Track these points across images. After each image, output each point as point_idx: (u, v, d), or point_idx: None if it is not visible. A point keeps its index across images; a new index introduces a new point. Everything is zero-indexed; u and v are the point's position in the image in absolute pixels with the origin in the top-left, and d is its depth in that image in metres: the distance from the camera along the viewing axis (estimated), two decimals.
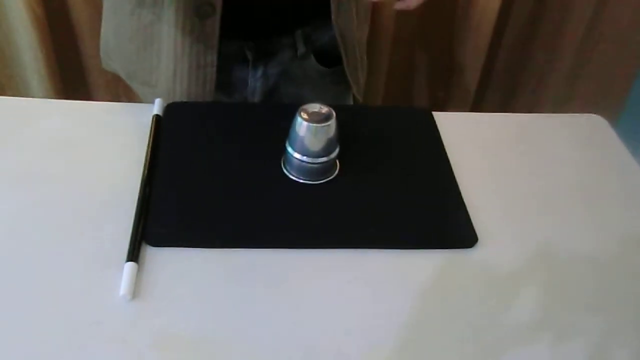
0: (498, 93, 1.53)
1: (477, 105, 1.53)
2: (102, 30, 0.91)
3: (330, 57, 0.89)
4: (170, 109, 0.79)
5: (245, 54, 0.86)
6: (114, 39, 0.88)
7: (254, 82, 0.89)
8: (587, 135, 0.85)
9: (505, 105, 1.55)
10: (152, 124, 0.75)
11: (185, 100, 0.83)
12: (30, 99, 0.83)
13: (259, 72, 0.89)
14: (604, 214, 0.71)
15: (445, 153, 0.76)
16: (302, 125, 0.66)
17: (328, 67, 0.90)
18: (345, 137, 0.70)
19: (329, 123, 0.66)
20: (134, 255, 0.58)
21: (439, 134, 0.79)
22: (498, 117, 0.87)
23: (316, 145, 0.67)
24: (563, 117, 0.88)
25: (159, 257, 0.60)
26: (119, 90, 1.37)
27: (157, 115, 0.77)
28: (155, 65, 0.83)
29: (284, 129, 0.68)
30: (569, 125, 0.86)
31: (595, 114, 0.88)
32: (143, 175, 0.68)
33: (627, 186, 0.76)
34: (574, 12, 1.39)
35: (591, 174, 0.78)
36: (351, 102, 0.99)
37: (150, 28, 0.81)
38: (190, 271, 0.59)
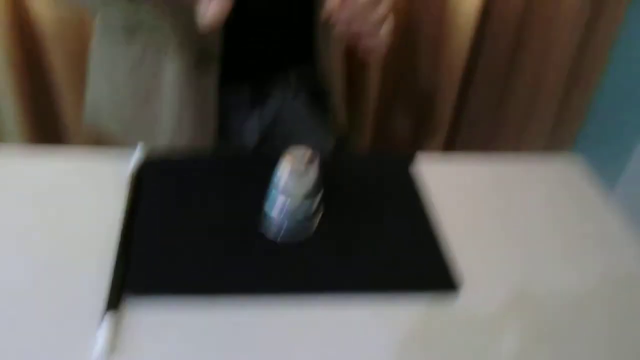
0: (473, 127, 1.57)
1: (452, 138, 1.56)
2: (92, 92, 0.91)
3: (318, 98, 0.93)
4: (151, 161, 0.78)
5: (242, 99, 0.89)
6: (109, 99, 0.88)
7: (251, 125, 0.91)
8: (564, 175, 0.86)
9: (481, 138, 1.58)
10: (132, 172, 0.74)
11: (188, 147, 0.84)
12: (7, 145, 0.82)
13: (256, 115, 0.91)
14: (583, 255, 0.72)
15: (426, 198, 0.76)
16: (286, 169, 0.66)
17: (317, 105, 0.94)
18: (328, 184, 0.70)
19: (312, 167, 0.65)
20: (112, 305, 0.57)
21: (419, 179, 0.80)
22: (477, 159, 0.88)
23: (300, 188, 0.67)
24: (540, 158, 0.90)
25: (137, 307, 0.58)
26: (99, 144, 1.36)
27: (136, 167, 0.76)
28: (157, 119, 0.84)
29: (264, 180, 0.68)
30: (546, 165, 0.88)
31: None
32: (122, 226, 0.66)
33: (603, 227, 0.77)
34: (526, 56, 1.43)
35: (569, 214, 0.79)
36: (333, 141, 1.01)
37: (150, 84, 0.82)
38: (169, 324, 0.57)
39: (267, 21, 0.82)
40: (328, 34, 0.87)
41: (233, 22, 0.75)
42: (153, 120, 0.85)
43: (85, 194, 0.72)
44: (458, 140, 1.58)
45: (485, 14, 1.36)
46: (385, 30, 0.71)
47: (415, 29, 1.38)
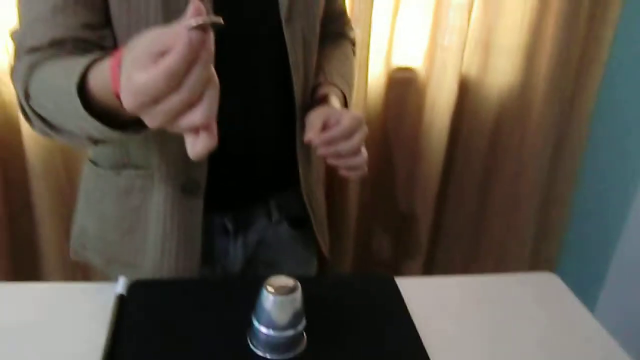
0: (452, 246, 1.60)
1: (431, 258, 1.58)
2: (78, 222, 0.93)
3: (299, 222, 0.95)
4: (135, 287, 0.78)
5: (226, 226, 0.90)
6: (95, 227, 0.89)
7: (235, 251, 0.92)
8: (544, 293, 0.87)
9: (460, 257, 1.61)
10: (115, 304, 0.74)
11: (172, 275, 0.83)
12: None
13: (239, 242, 0.92)
14: None
15: (410, 318, 0.76)
16: (268, 299, 0.66)
17: (299, 230, 0.96)
18: (312, 309, 0.70)
19: (294, 295, 0.66)
20: None
21: (402, 299, 0.80)
22: (459, 280, 0.89)
23: (283, 317, 0.66)
24: (520, 276, 0.92)
25: None
26: (77, 275, 1.35)
27: (120, 295, 0.76)
28: (141, 246, 0.85)
29: (250, 304, 0.68)
30: (526, 284, 0.89)
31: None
32: (104, 356, 0.65)
33: (585, 339, 0.78)
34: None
35: (552, 330, 0.79)
36: (316, 263, 1.02)
37: (136, 211, 0.84)
38: None
39: (249, 149, 0.85)
40: (308, 162, 0.91)
41: (218, 154, 0.79)
42: (137, 247, 0.85)
43: (69, 328, 0.71)
44: (438, 259, 1.60)
45: (454, 144, 1.45)
46: (365, 151, 0.77)
47: (390, 156, 1.46)
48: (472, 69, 1.39)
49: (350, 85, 0.94)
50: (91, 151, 0.88)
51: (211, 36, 0.44)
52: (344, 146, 0.75)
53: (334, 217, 1.44)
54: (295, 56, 0.80)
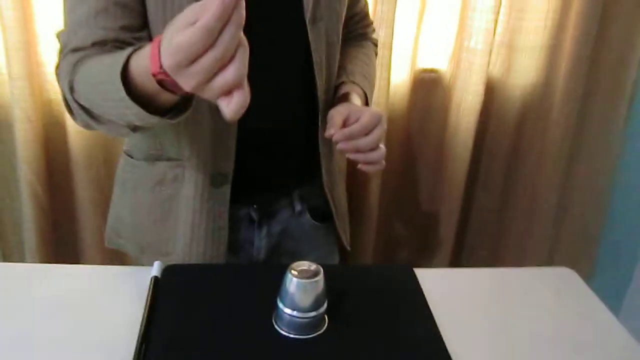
0: (476, 247, 1.61)
1: (455, 257, 1.60)
2: (113, 211, 0.98)
3: (321, 214, 0.99)
4: (168, 271, 0.83)
5: (251, 216, 0.94)
6: (130, 216, 0.94)
7: (259, 241, 0.96)
8: (560, 287, 0.89)
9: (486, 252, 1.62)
10: (150, 285, 0.79)
11: (200, 262, 0.88)
12: (35, 264, 0.87)
13: (264, 232, 0.96)
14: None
15: (428, 307, 0.79)
16: (292, 282, 0.70)
17: (321, 222, 1.00)
18: (333, 294, 0.73)
19: (317, 279, 0.70)
20: None
21: (420, 288, 0.82)
22: (477, 272, 0.91)
23: (305, 300, 0.70)
24: (537, 271, 0.94)
25: None
26: (114, 262, 1.42)
27: (155, 277, 0.81)
28: (172, 234, 0.90)
29: (275, 288, 0.72)
30: (543, 278, 0.91)
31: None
32: (139, 334, 0.70)
33: (601, 332, 0.79)
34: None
35: (567, 322, 0.80)
36: (338, 255, 1.06)
37: (168, 202, 0.89)
38: None
39: (274, 143, 0.90)
40: (331, 157, 0.95)
41: (244, 147, 0.84)
42: (168, 235, 0.90)
43: (108, 307, 0.77)
44: (463, 258, 1.62)
45: (480, 144, 1.47)
46: (383, 146, 0.80)
47: (415, 156, 1.49)
48: (496, 70, 1.40)
49: (371, 84, 0.98)
50: (127, 144, 0.94)
51: (242, 1, 0.48)
52: (363, 141, 0.79)
53: (357, 214, 1.47)
54: (318, 56, 0.84)
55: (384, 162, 0.81)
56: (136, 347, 0.67)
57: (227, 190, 0.87)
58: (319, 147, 0.92)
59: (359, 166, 0.82)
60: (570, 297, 0.87)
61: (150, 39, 0.77)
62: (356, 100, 0.87)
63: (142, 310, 0.74)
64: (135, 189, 0.92)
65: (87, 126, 0.76)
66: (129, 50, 0.62)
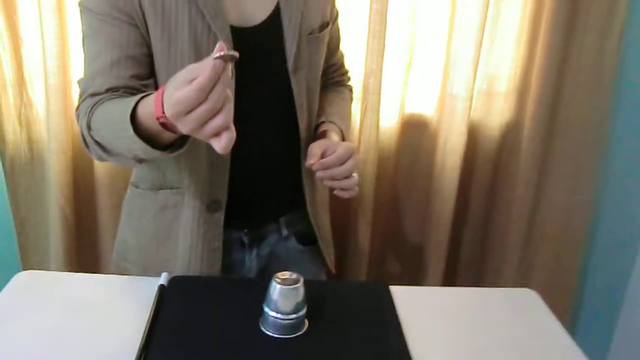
0: (463, 275, 1.69)
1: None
2: (119, 237, 1.08)
3: (306, 239, 1.09)
4: (174, 281, 0.94)
5: (242, 240, 1.05)
6: (135, 240, 1.04)
7: (250, 262, 1.06)
8: (521, 306, 0.97)
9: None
10: (157, 292, 0.90)
11: None
12: (61, 273, 0.99)
13: (254, 254, 1.06)
14: None
15: (398, 318, 0.88)
16: (275, 288, 0.80)
17: (305, 246, 1.10)
18: (314, 303, 0.84)
19: (297, 286, 0.80)
20: None
21: (392, 302, 0.92)
22: (446, 290, 1.00)
23: (287, 304, 0.81)
24: (501, 291, 1.02)
25: None
26: None
27: (162, 285, 0.92)
28: (172, 255, 1.00)
29: (262, 299, 0.82)
30: (506, 297, 0.99)
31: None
32: (144, 332, 0.80)
33: (553, 347, 0.87)
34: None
35: (524, 338, 0.88)
36: (326, 278, 1.14)
37: (170, 225, 1.00)
38: None
39: (262, 176, 1.01)
40: (313, 187, 1.06)
41: (236, 178, 0.96)
42: (168, 257, 1.00)
43: (121, 309, 0.88)
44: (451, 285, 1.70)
45: (465, 181, 1.58)
46: (356, 175, 0.91)
47: (405, 191, 1.60)
48: (476, 113, 1.53)
49: (347, 124, 1.10)
50: (134, 176, 1.05)
51: (229, 66, 0.62)
52: (338, 170, 0.90)
53: (350, 247, 1.57)
54: (300, 100, 0.97)
55: (357, 189, 0.92)
56: (141, 342, 0.77)
57: (221, 215, 0.98)
58: (303, 179, 1.03)
59: (335, 192, 0.93)
60: (528, 315, 0.94)
61: (155, 85, 0.90)
62: (334, 137, 0.99)
63: (149, 313, 0.85)
64: (140, 216, 1.03)
65: (100, 158, 0.88)
66: (137, 97, 0.76)
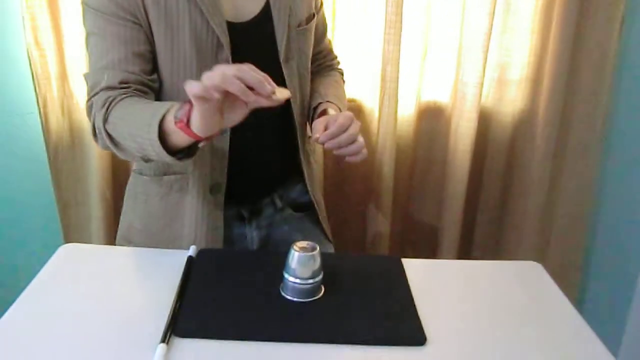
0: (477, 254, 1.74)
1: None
2: (124, 221, 1.13)
3: (299, 207, 1.17)
4: (201, 253, 1.01)
5: (242, 215, 1.13)
6: (141, 223, 1.09)
7: (251, 233, 1.14)
8: (526, 277, 1.01)
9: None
10: (186, 263, 0.97)
11: None
12: (99, 246, 1.07)
13: (253, 225, 1.14)
14: (537, 335, 0.85)
15: (409, 288, 0.92)
16: (294, 256, 0.87)
17: (305, 216, 1.17)
18: (330, 271, 0.90)
19: (314, 253, 0.87)
20: (165, 339, 0.77)
21: (404, 273, 0.97)
22: (455, 263, 1.05)
23: (305, 270, 0.87)
24: (508, 264, 1.06)
25: (184, 344, 0.78)
26: None
27: (190, 256, 0.99)
28: (178, 236, 1.07)
29: (281, 267, 0.88)
30: (512, 270, 1.03)
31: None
32: (174, 299, 0.87)
33: (552, 313, 0.91)
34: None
35: (529, 307, 0.92)
36: (332, 248, 1.21)
37: (175, 207, 1.07)
38: (209, 359, 0.76)
39: (258, 157, 1.08)
40: (309, 164, 1.13)
41: (235, 162, 1.03)
42: (175, 236, 1.07)
43: (155, 275, 0.96)
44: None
45: (478, 165, 1.62)
46: (361, 138, 0.95)
47: (423, 174, 1.65)
48: (489, 100, 1.57)
49: (343, 102, 1.15)
50: (136, 164, 1.12)
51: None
52: (343, 137, 0.93)
53: (368, 233, 1.63)
54: (292, 87, 1.04)
55: (365, 151, 0.96)
56: (172, 306, 0.84)
57: (221, 197, 1.05)
58: (301, 157, 1.10)
59: (346, 159, 0.96)
60: (534, 286, 0.98)
61: (159, 81, 0.98)
62: (333, 112, 1.04)
63: (179, 281, 0.92)
64: (146, 200, 1.08)
65: (105, 148, 0.95)
66: (166, 105, 0.84)
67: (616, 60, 1.52)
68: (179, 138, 0.82)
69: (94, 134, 0.95)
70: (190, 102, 0.77)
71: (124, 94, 0.91)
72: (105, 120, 0.90)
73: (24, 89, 1.49)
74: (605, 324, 1.75)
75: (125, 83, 0.93)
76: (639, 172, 1.64)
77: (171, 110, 0.82)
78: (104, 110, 0.90)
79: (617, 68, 1.54)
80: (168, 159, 0.83)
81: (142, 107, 0.88)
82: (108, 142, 0.92)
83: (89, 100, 0.95)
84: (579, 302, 1.80)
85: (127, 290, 0.92)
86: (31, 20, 1.38)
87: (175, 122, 0.78)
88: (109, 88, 0.92)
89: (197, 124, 0.78)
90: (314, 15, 1.07)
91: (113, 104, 0.90)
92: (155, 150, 0.82)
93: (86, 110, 0.96)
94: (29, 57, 1.42)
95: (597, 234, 1.76)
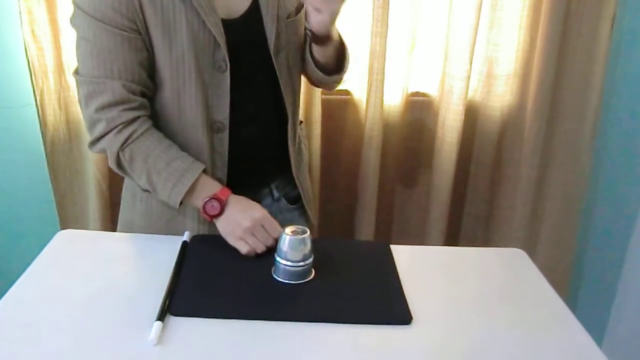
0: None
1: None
2: (124, 218, 1.13)
3: (293, 200, 1.20)
4: (195, 239, 1.03)
5: None
6: (142, 220, 1.09)
7: None
8: (510, 263, 1.03)
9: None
10: (180, 247, 0.99)
11: None
12: (96, 232, 1.09)
13: None
14: (518, 315, 0.88)
15: (397, 272, 0.95)
16: (285, 239, 0.89)
17: (293, 205, 1.20)
18: (321, 255, 0.92)
19: (304, 236, 0.89)
20: (161, 317, 0.79)
21: (392, 258, 0.99)
22: (441, 249, 1.07)
23: (296, 253, 0.89)
24: (493, 250, 1.09)
25: (179, 322, 0.80)
26: None
27: (185, 241, 1.01)
28: (182, 228, 1.07)
29: (272, 252, 0.92)
30: (496, 256, 1.06)
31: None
32: (170, 281, 0.89)
33: (534, 294, 0.94)
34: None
35: (511, 291, 0.95)
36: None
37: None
38: (204, 336, 0.78)
39: (255, 150, 1.11)
40: (298, 155, 1.16)
41: (234, 156, 1.06)
42: (177, 231, 1.07)
43: (152, 258, 0.98)
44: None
45: (465, 158, 1.64)
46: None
47: (409, 164, 1.68)
48: (477, 94, 1.59)
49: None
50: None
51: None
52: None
53: (356, 221, 1.66)
54: (283, 78, 1.06)
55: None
56: (167, 288, 0.86)
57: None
58: (289, 147, 1.13)
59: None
60: (516, 271, 1.00)
61: (159, 80, 0.99)
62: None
63: (173, 265, 0.94)
64: (146, 198, 1.08)
65: (113, 168, 0.99)
66: (194, 174, 0.97)
67: (609, 54, 1.54)
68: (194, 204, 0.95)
69: (93, 142, 0.99)
70: (222, 195, 0.97)
71: (142, 121, 0.97)
72: (121, 149, 0.96)
73: (21, 82, 1.50)
74: (594, 317, 1.79)
75: (133, 92, 0.96)
76: (629, 167, 1.67)
77: (198, 188, 0.98)
78: (121, 137, 0.95)
79: (610, 62, 1.56)
80: (173, 205, 0.97)
81: (168, 159, 0.97)
82: (114, 165, 0.97)
83: (87, 103, 0.97)
84: (569, 297, 1.82)
85: (123, 272, 0.93)
86: (28, 13, 1.40)
87: (204, 211, 0.96)
88: (119, 103, 0.95)
89: (221, 225, 0.97)
90: (302, 5, 1.09)
91: (134, 135, 0.95)
92: (167, 203, 0.97)
93: (83, 112, 0.99)
94: (25, 50, 1.43)
95: (588, 230, 1.79)
